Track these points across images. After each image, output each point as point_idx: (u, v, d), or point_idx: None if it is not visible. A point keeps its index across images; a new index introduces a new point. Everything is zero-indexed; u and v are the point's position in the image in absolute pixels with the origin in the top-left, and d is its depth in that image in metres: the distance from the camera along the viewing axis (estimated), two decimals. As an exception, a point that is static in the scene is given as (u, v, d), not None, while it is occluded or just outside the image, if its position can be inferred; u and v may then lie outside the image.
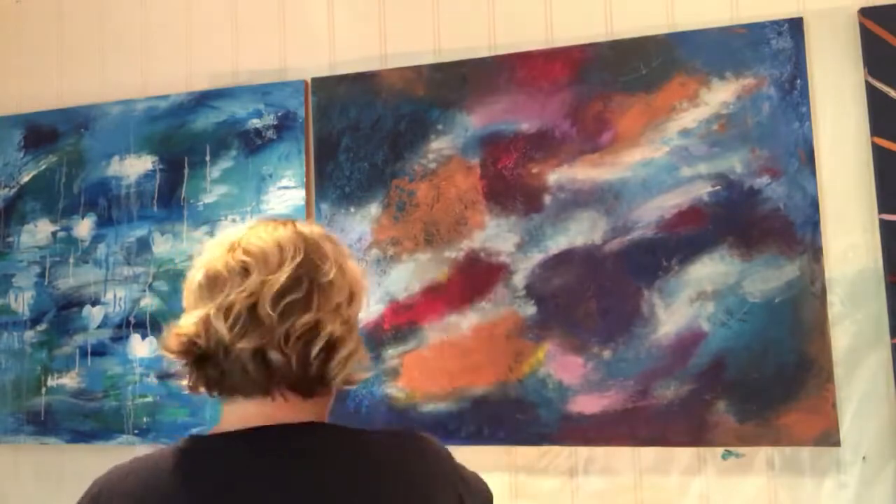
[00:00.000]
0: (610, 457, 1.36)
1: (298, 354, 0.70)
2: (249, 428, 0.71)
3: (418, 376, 1.41)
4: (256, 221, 0.79)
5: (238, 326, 0.69)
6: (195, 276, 0.74)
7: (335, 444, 0.73)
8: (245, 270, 0.71)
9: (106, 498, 0.68)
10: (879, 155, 1.27)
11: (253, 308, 0.69)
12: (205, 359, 0.71)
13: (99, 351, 1.60)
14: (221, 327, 0.69)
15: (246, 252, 0.72)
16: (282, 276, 0.70)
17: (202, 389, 0.74)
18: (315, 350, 0.70)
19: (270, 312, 0.69)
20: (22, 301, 1.67)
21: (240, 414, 0.73)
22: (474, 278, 1.41)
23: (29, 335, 1.65)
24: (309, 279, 0.72)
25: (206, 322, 0.70)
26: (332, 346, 0.71)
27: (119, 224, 1.63)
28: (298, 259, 0.72)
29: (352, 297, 0.76)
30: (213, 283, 0.72)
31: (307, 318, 0.70)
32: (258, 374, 0.70)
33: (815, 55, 1.33)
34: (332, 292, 0.73)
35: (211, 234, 1.56)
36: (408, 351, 1.43)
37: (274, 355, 0.69)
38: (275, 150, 1.55)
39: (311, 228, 0.78)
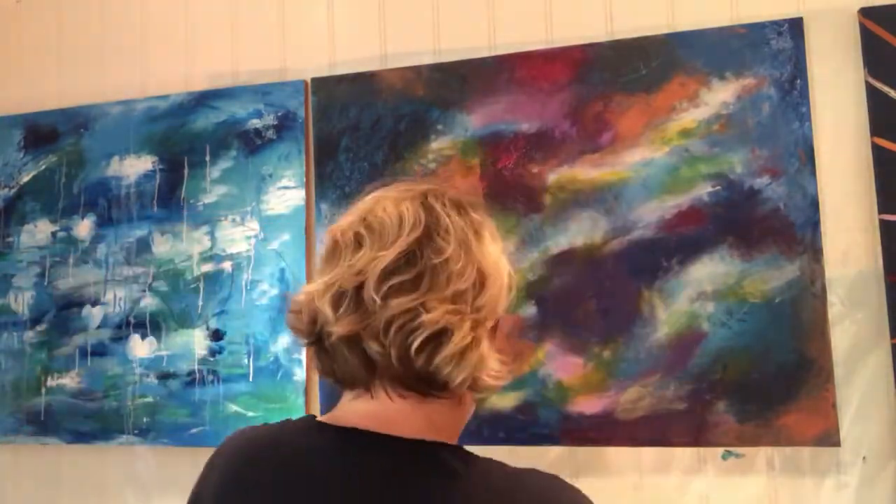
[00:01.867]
0: (610, 457, 1.36)
1: (398, 346, 0.59)
2: (343, 426, 0.64)
3: (418, 376, 1.41)
4: (395, 185, 0.69)
5: (341, 309, 0.61)
6: (324, 243, 0.68)
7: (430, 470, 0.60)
8: (358, 244, 0.63)
9: (218, 453, 0.69)
10: (879, 155, 1.27)
11: (359, 289, 0.60)
12: (317, 341, 0.64)
13: (99, 351, 1.60)
14: (325, 307, 0.62)
15: (365, 223, 0.64)
16: (391, 254, 0.60)
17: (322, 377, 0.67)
18: (416, 341, 0.58)
19: (374, 295, 0.59)
20: (22, 301, 1.67)
21: (345, 408, 0.66)
22: (474, 278, 1.41)
23: (29, 335, 1.65)
24: (423, 258, 0.61)
25: (311, 300, 0.63)
26: (437, 338, 0.59)
27: (119, 224, 1.63)
28: (416, 234, 0.61)
29: (481, 285, 0.63)
30: (330, 255, 0.65)
31: (408, 302, 0.59)
32: (357, 365, 0.62)
33: (815, 55, 1.32)
34: (448, 275, 0.61)
35: (211, 234, 1.56)
36: (408, 351, 1.43)
37: (372, 345, 0.60)
38: (275, 150, 1.55)
39: (448, 197, 0.66)
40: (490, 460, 0.63)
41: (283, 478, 0.62)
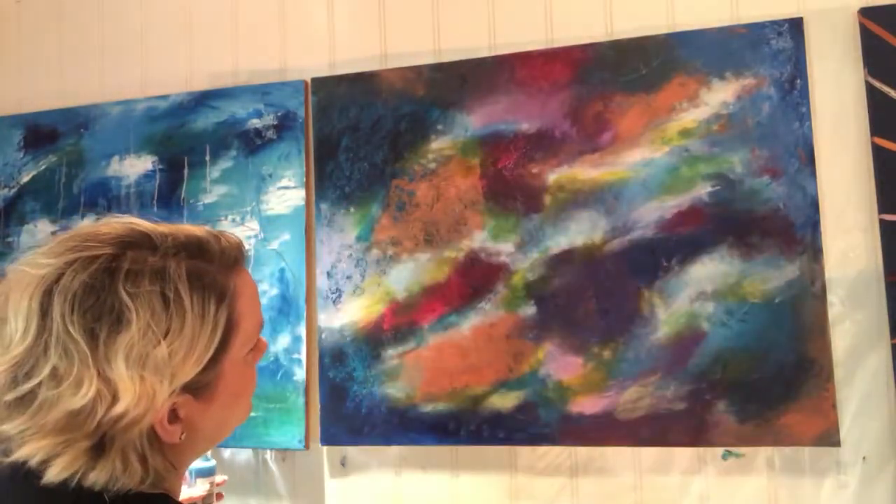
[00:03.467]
0: (610, 457, 1.36)
1: None
2: None
3: (418, 376, 1.41)
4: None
5: None
6: None
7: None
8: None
9: None
10: (879, 155, 1.27)
11: None
12: None
13: (99, 351, 1.60)
14: None
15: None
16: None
17: None
18: None
19: None
20: (22, 301, 1.67)
21: None
22: (474, 278, 1.41)
23: (29, 335, 1.65)
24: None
25: None
26: None
27: (119, 224, 1.62)
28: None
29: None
30: None
31: None
32: None
33: (815, 55, 1.32)
34: None
35: (211, 234, 1.56)
36: (408, 351, 1.43)
37: None
38: (275, 150, 1.55)
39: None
40: None
41: None
